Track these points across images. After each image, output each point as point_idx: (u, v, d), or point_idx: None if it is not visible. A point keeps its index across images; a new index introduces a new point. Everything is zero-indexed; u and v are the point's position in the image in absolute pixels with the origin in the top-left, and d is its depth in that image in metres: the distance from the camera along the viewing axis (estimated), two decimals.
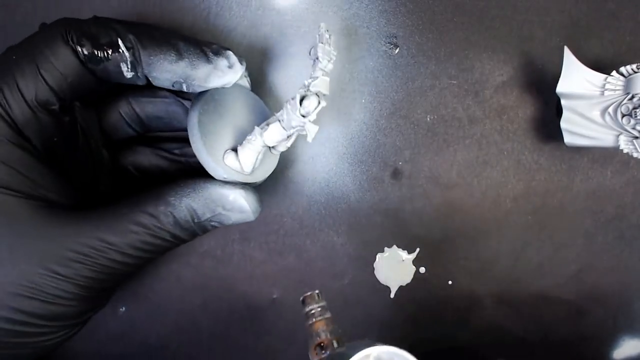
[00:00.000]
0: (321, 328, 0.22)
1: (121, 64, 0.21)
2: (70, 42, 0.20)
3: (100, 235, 0.20)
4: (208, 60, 0.22)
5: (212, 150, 0.22)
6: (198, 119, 0.22)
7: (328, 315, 0.23)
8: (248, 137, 0.23)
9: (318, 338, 0.22)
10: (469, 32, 0.28)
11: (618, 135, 0.24)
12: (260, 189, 0.29)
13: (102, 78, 0.21)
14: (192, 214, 0.22)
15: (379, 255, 0.30)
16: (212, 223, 0.23)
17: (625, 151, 0.24)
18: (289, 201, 0.29)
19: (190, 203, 0.22)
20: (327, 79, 0.22)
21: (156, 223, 0.22)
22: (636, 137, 0.24)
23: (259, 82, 0.28)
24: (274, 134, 0.23)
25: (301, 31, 0.28)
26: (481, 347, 0.30)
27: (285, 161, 0.29)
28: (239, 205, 0.23)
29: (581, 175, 0.29)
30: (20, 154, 0.20)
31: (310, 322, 0.22)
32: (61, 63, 0.20)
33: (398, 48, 0.28)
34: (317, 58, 0.22)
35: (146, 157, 0.27)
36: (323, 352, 0.21)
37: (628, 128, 0.24)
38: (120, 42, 0.20)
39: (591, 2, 0.27)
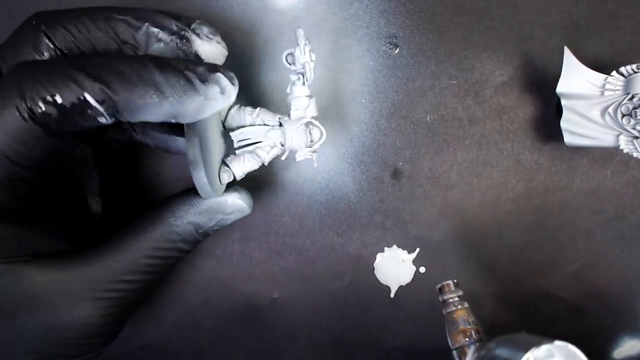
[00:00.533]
0: (462, 317, 0.23)
1: (98, 118, 0.18)
2: (29, 119, 0.17)
3: (112, 278, 0.21)
4: (196, 91, 0.18)
5: (212, 181, 0.22)
6: (201, 161, 0.20)
7: (467, 305, 0.24)
8: (253, 150, 0.23)
9: (461, 326, 0.23)
10: (469, 32, 0.28)
11: (618, 135, 0.24)
12: (260, 189, 0.29)
13: (76, 132, 0.18)
14: (196, 227, 0.23)
15: (379, 255, 0.30)
16: (214, 228, 0.24)
17: (625, 151, 0.24)
18: (289, 201, 0.29)
19: (192, 219, 0.23)
20: (308, 99, 0.22)
21: (164, 246, 0.22)
22: (636, 137, 0.24)
23: (259, 82, 0.28)
24: (274, 153, 0.24)
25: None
26: None
27: (285, 161, 0.29)
28: (238, 206, 0.23)
29: (581, 175, 0.29)
30: None
31: (450, 310, 0.24)
32: (21, 139, 0.17)
33: (398, 48, 0.28)
34: (293, 64, 0.22)
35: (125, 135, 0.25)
36: (466, 340, 0.22)
37: (628, 128, 0.24)
38: (88, 97, 0.17)
39: (591, 2, 0.27)
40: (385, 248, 0.30)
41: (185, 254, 0.24)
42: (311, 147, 0.23)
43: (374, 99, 0.28)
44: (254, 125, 0.24)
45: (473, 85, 0.28)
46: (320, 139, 0.23)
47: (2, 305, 0.19)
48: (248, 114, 0.23)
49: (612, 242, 0.29)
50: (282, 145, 0.23)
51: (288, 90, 0.23)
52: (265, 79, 0.28)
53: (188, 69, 0.18)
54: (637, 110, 0.23)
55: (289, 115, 0.23)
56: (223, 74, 0.19)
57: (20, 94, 0.16)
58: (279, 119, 0.23)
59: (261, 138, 0.23)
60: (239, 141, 0.24)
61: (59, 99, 0.17)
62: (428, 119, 0.29)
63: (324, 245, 0.30)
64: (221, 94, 0.19)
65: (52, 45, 0.19)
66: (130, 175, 0.29)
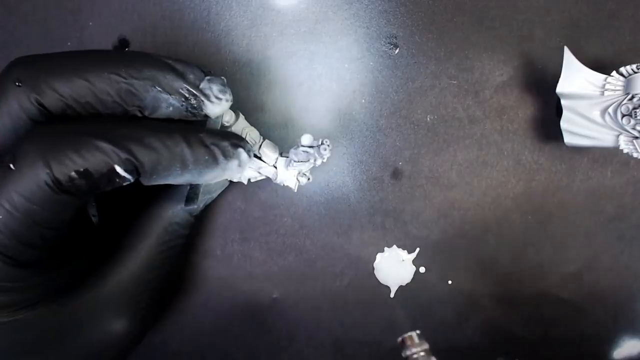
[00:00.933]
0: None
1: (123, 183, 0.18)
2: (61, 192, 0.17)
3: (136, 283, 0.23)
4: (218, 165, 0.19)
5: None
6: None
7: None
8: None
9: None
10: (469, 32, 0.28)
11: (618, 135, 0.24)
12: (260, 189, 0.29)
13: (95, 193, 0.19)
14: (189, 212, 0.24)
15: (379, 255, 0.30)
16: (202, 208, 0.25)
17: (625, 151, 0.24)
18: (289, 201, 0.29)
19: (182, 206, 0.24)
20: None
21: (169, 238, 0.24)
22: (636, 137, 0.24)
23: (258, 82, 0.28)
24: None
25: (301, 31, 0.28)
26: (481, 347, 0.30)
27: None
28: (219, 182, 0.25)
29: (581, 175, 0.29)
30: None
31: None
32: (51, 207, 0.17)
33: (398, 48, 0.28)
34: (304, 153, 0.23)
35: None
36: None
37: (628, 128, 0.24)
38: (117, 169, 0.17)
39: (591, 2, 0.27)
40: (385, 248, 0.30)
41: (187, 237, 0.25)
42: (296, 185, 0.26)
43: (374, 99, 0.28)
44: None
45: (473, 85, 0.28)
46: (306, 179, 0.25)
47: (49, 341, 0.20)
48: (255, 134, 0.25)
49: (612, 242, 0.29)
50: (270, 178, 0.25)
51: (291, 155, 0.23)
52: (264, 80, 0.28)
53: (214, 144, 0.19)
54: (637, 110, 0.23)
55: (286, 164, 0.24)
56: (244, 148, 0.20)
57: (47, 167, 0.16)
58: (277, 160, 0.25)
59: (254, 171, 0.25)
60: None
61: (88, 171, 0.17)
62: (428, 119, 0.29)
63: (324, 245, 0.30)
64: (239, 166, 0.20)
65: (45, 111, 0.18)
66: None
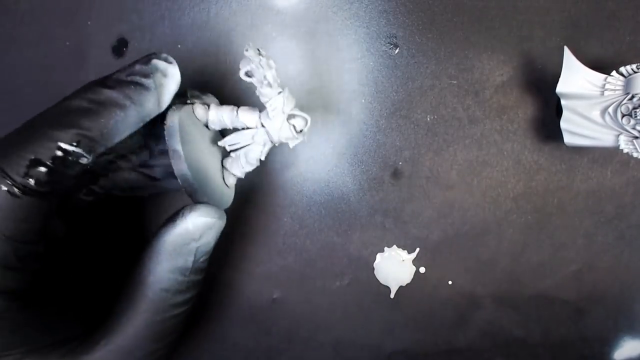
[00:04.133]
0: None
1: (79, 160, 0.18)
2: (17, 191, 0.17)
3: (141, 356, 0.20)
4: (147, 88, 0.19)
5: (218, 188, 0.22)
6: (181, 151, 0.20)
7: None
8: (247, 151, 0.23)
9: None
10: (469, 32, 0.28)
11: (618, 135, 0.24)
12: (260, 190, 0.29)
13: (60, 187, 0.19)
14: (182, 272, 0.20)
15: (379, 255, 0.30)
16: (201, 260, 0.21)
17: (625, 151, 0.24)
18: (289, 201, 0.29)
19: (169, 268, 0.20)
20: (281, 96, 0.22)
21: (162, 308, 0.20)
22: (636, 137, 0.24)
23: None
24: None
25: (301, 31, 0.28)
26: (481, 348, 0.30)
27: (285, 162, 0.29)
28: (203, 224, 0.20)
29: (581, 175, 0.29)
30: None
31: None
32: (21, 216, 0.17)
33: (398, 48, 0.28)
34: (253, 77, 0.21)
35: (128, 173, 0.24)
36: None
37: (628, 128, 0.24)
38: (64, 146, 0.17)
39: (591, 2, 0.27)
40: (385, 248, 0.30)
41: (199, 286, 0.22)
42: (298, 137, 0.23)
43: (374, 99, 0.28)
44: (237, 129, 0.23)
45: (473, 85, 0.28)
46: (306, 125, 0.22)
47: None
48: (227, 114, 0.23)
49: (612, 243, 0.29)
50: (272, 142, 0.23)
51: (257, 93, 0.22)
52: None
53: (129, 74, 0.19)
54: (637, 110, 0.23)
55: (267, 115, 0.22)
56: (157, 58, 0.20)
57: (3, 174, 0.16)
58: (259, 118, 0.23)
59: (249, 142, 0.23)
60: (229, 146, 0.23)
61: (42, 161, 0.17)
62: (428, 119, 0.29)
63: (324, 245, 0.29)
64: (165, 77, 0.20)
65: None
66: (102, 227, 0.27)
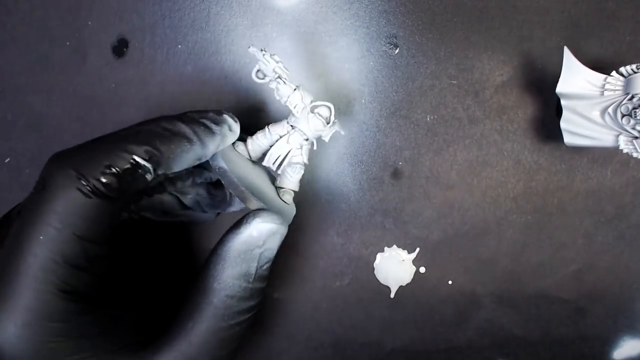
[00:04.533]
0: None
1: (145, 175, 0.20)
2: (90, 193, 0.18)
3: None
4: (213, 133, 0.21)
5: (278, 206, 0.23)
6: (247, 191, 0.22)
7: None
8: (289, 161, 0.24)
9: None
10: (469, 32, 0.28)
11: (618, 135, 0.24)
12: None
13: (125, 196, 0.20)
14: (245, 278, 0.21)
15: (379, 255, 0.30)
16: (264, 267, 0.22)
17: (625, 151, 0.24)
18: None
19: (234, 274, 0.21)
20: (298, 92, 0.23)
21: (227, 313, 0.21)
22: (636, 137, 0.24)
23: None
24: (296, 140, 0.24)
25: (301, 31, 0.28)
26: (481, 347, 0.30)
27: None
28: (267, 230, 0.21)
29: (581, 175, 0.29)
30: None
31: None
32: (90, 215, 0.18)
33: (398, 48, 0.28)
34: (265, 77, 0.23)
35: (167, 195, 0.26)
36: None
37: (628, 128, 0.24)
38: (138, 159, 0.19)
39: (591, 2, 0.27)
40: (385, 248, 0.30)
41: (262, 295, 0.22)
42: (330, 123, 0.24)
43: (374, 99, 0.28)
44: (272, 144, 0.24)
45: (473, 85, 0.28)
46: (331, 112, 0.24)
47: None
48: (260, 135, 0.24)
49: (612, 243, 0.29)
50: (307, 140, 0.24)
51: (277, 97, 0.23)
52: None
53: (202, 117, 0.22)
54: (637, 110, 0.23)
55: (293, 115, 0.24)
56: (227, 115, 0.23)
57: (76, 172, 0.18)
58: (288, 122, 0.24)
59: (287, 148, 0.24)
60: (273, 164, 0.24)
61: (114, 169, 0.19)
62: (428, 119, 0.29)
63: (324, 245, 0.30)
64: (230, 131, 0.22)
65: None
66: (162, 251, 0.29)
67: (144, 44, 0.29)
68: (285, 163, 0.24)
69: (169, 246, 0.29)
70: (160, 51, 0.29)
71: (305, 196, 0.29)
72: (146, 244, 0.27)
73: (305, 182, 0.29)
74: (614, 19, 0.27)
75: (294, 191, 0.25)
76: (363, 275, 0.30)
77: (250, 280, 0.21)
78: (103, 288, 0.20)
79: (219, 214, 0.28)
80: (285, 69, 0.23)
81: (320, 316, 0.30)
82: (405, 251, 0.30)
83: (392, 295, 0.30)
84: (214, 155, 0.22)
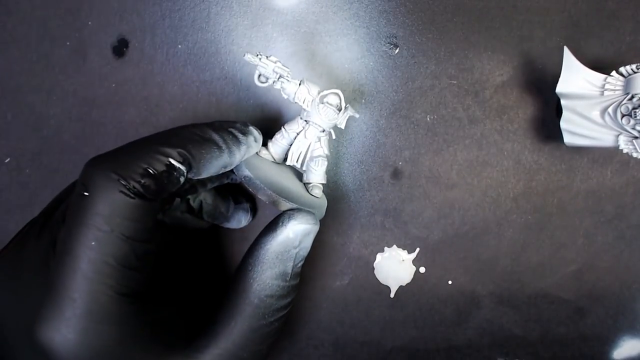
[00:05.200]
0: None
1: (179, 177, 0.20)
2: (132, 194, 0.19)
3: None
4: (240, 142, 0.22)
5: (310, 202, 0.24)
6: (275, 195, 0.22)
7: None
8: (311, 156, 0.25)
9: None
10: (469, 32, 0.28)
11: (618, 135, 0.24)
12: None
13: (160, 197, 0.21)
14: (282, 277, 0.22)
15: (379, 255, 0.30)
16: (299, 265, 0.23)
17: (625, 151, 0.24)
18: None
19: (272, 275, 0.22)
20: (304, 86, 0.23)
21: (267, 312, 0.22)
22: (636, 137, 0.24)
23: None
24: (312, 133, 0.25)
25: (301, 31, 0.28)
26: (481, 347, 0.30)
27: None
28: (302, 231, 0.22)
29: (581, 175, 0.29)
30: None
31: None
32: (134, 216, 0.19)
33: (398, 48, 0.28)
34: (267, 79, 0.23)
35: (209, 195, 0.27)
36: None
37: (628, 128, 0.24)
38: (173, 162, 0.20)
39: (591, 2, 0.27)
40: (385, 248, 0.30)
41: (297, 291, 0.23)
42: (342, 109, 0.24)
43: (374, 99, 0.28)
44: (291, 142, 0.25)
45: (473, 85, 0.28)
46: (341, 99, 0.24)
47: None
48: (280, 138, 0.25)
49: (612, 243, 0.29)
50: (324, 130, 0.24)
51: (285, 97, 0.24)
52: None
53: (231, 127, 0.23)
54: (637, 110, 0.23)
55: (305, 110, 0.24)
56: (253, 127, 0.23)
57: (116, 175, 0.19)
58: (301, 118, 0.24)
59: (306, 143, 0.24)
60: (296, 162, 0.25)
61: (151, 170, 0.19)
62: (428, 119, 0.29)
63: (323, 245, 0.30)
64: (255, 142, 0.23)
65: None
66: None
67: (144, 44, 0.29)
68: (307, 158, 0.25)
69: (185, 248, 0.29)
70: (160, 51, 0.29)
71: None
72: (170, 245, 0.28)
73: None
74: (614, 19, 0.27)
75: (322, 184, 0.25)
76: (363, 275, 0.30)
77: (287, 279, 0.22)
78: (152, 287, 0.21)
79: (213, 225, 0.29)
80: (285, 66, 0.23)
81: (320, 315, 0.30)
82: (405, 251, 0.30)
83: (392, 295, 0.30)
84: (238, 165, 0.23)
